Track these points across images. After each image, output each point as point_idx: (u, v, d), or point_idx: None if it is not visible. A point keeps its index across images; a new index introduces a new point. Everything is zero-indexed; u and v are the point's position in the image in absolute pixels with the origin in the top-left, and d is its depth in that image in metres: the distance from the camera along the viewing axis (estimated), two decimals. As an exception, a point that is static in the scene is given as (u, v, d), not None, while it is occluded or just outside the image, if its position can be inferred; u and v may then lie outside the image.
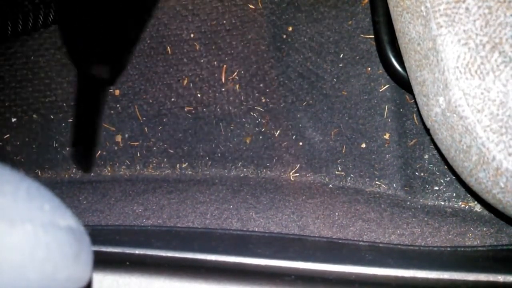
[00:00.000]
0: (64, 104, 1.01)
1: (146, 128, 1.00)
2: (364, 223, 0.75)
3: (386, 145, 0.92)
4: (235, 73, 1.00)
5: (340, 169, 0.94)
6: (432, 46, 0.56)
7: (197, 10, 1.01)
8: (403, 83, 0.87)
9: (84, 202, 0.86)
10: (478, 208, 0.84)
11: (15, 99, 1.02)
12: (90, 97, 1.00)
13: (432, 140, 0.75)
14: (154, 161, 1.00)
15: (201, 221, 0.77)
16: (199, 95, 1.00)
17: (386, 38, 0.86)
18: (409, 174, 0.90)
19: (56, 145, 1.01)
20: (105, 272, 0.48)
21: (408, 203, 0.87)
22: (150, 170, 0.99)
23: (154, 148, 1.00)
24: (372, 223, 0.75)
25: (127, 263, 0.50)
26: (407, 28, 0.61)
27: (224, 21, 1.00)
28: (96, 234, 0.61)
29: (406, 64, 0.66)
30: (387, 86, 0.93)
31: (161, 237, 0.66)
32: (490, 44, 0.53)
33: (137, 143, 1.00)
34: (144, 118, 1.01)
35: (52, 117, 1.02)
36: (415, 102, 0.84)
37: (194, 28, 1.01)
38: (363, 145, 0.93)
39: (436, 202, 0.88)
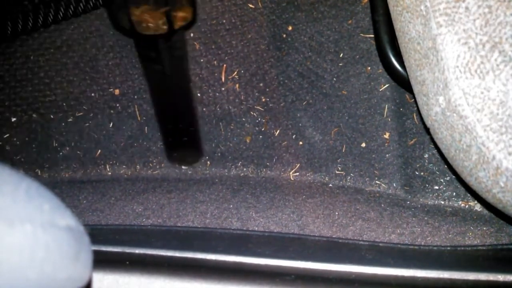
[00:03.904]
0: (64, 104, 1.01)
1: (146, 128, 1.00)
2: (364, 222, 0.75)
3: (386, 144, 0.92)
4: (235, 73, 0.99)
5: (340, 168, 0.94)
6: (432, 45, 0.56)
7: (197, 9, 1.01)
8: (403, 83, 0.87)
9: (84, 201, 0.86)
10: (478, 207, 0.84)
11: (15, 99, 1.02)
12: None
13: (432, 140, 0.75)
14: (154, 161, 1.00)
15: (201, 220, 0.77)
16: (199, 95, 1.00)
17: (386, 37, 0.86)
18: (409, 173, 0.90)
19: (56, 144, 1.01)
20: (105, 272, 0.48)
21: (408, 202, 0.87)
22: (150, 170, 0.99)
23: (154, 147, 1.00)
24: (372, 223, 0.75)
25: (127, 262, 0.50)
26: (407, 27, 0.61)
27: (224, 21, 1.00)
28: (96, 234, 0.61)
29: (406, 64, 0.66)
30: (387, 85, 0.93)
31: (161, 236, 0.66)
32: (490, 43, 0.53)
33: (137, 142, 1.00)
34: (144, 118, 1.01)
35: (52, 116, 1.01)
36: (415, 102, 0.84)
37: (194, 28, 1.01)
38: (363, 145, 0.93)
39: (436, 202, 0.88)
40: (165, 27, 0.81)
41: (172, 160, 0.99)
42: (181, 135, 0.98)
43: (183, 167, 0.99)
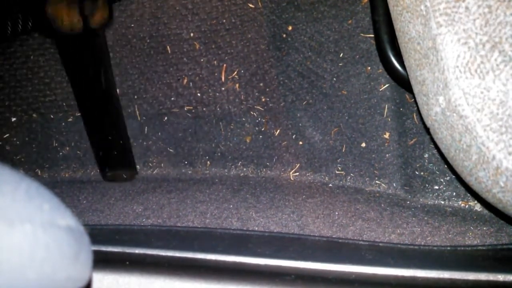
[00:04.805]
0: (64, 104, 1.01)
1: (146, 128, 1.00)
2: (364, 222, 0.75)
3: (386, 144, 0.92)
4: (235, 72, 0.99)
5: (340, 168, 0.93)
6: (432, 45, 0.56)
7: (197, 9, 1.01)
8: (403, 82, 0.87)
9: (84, 201, 0.86)
10: (478, 207, 0.84)
11: (15, 99, 1.02)
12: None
13: (432, 139, 0.75)
14: (154, 161, 1.00)
15: (201, 220, 0.77)
16: (199, 95, 1.00)
17: (386, 37, 0.86)
18: (409, 173, 0.90)
19: (56, 144, 1.01)
20: (105, 272, 0.48)
21: (408, 202, 0.87)
22: (150, 170, 0.99)
23: (154, 147, 1.00)
24: (372, 223, 0.75)
25: (127, 262, 0.50)
26: (407, 27, 0.61)
27: (224, 20, 1.00)
28: (96, 234, 0.61)
29: (406, 63, 0.66)
30: (387, 85, 0.93)
31: (161, 236, 0.66)
32: (490, 43, 0.53)
33: (137, 142, 1.00)
34: (144, 118, 1.01)
35: (52, 116, 1.01)
36: (415, 101, 0.84)
37: (194, 27, 1.01)
38: (363, 144, 0.93)
39: (436, 201, 0.88)
40: (80, 25, 0.81)
41: (106, 178, 0.95)
42: (111, 148, 0.94)
43: (182, 165, 0.99)
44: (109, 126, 0.95)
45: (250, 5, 1.00)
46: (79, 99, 0.95)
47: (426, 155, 0.90)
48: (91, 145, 0.96)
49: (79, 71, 0.90)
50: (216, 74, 1.00)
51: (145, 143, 1.00)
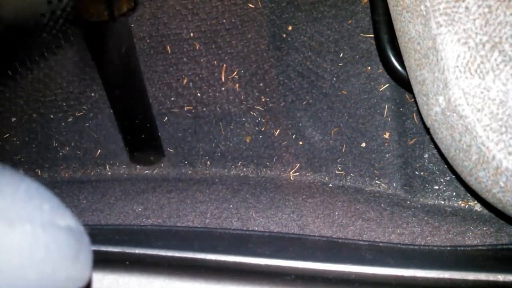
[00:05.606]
0: (64, 104, 1.01)
1: (146, 128, 1.00)
2: (364, 222, 0.75)
3: (386, 144, 0.92)
4: (235, 72, 0.99)
5: (340, 168, 0.93)
6: (432, 45, 0.56)
7: (197, 9, 1.01)
8: (403, 82, 0.87)
9: (84, 201, 0.86)
10: (478, 207, 0.84)
11: (15, 99, 1.02)
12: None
13: (432, 139, 0.75)
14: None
15: (201, 220, 0.77)
16: (199, 95, 1.00)
17: (386, 37, 0.86)
18: (409, 173, 0.90)
19: (56, 144, 1.01)
20: (105, 272, 0.48)
21: (408, 202, 0.87)
22: (150, 170, 0.99)
23: (154, 147, 1.00)
24: (372, 222, 0.75)
25: (127, 262, 0.50)
26: (407, 27, 0.61)
27: (224, 20, 1.00)
28: (96, 234, 0.61)
29: (406, 63, 0.66)
30: (387, 85, 0.93)
31: (161, 236, 0.66)
32: (490, 43, 0.53)
33: (137, 142, 1.00)
34: (144, 118, 1.01)
35: (51, 116, 1.01)
36: (415, 101, 0.84)
37: (194, 27, 1.01)
38: (363, 144, 0.93)
39: (436, 201, 0.88)
40: (106, 13, 0.85)
41: (134, 161, 0.98)
42: (138, 132, 0.97)
43: (182, 165, 0.99)
44: (136, 110, 0.98)
45: (250, 5, 1.00)
46: (106, 85, 0.98)
47: (426, 155, 0.90)
48: (119, 129, 0.98)
49: (105, 58, 0.95)
50: (216, 74, 1.00)
51: (145, 143, 1.00)
